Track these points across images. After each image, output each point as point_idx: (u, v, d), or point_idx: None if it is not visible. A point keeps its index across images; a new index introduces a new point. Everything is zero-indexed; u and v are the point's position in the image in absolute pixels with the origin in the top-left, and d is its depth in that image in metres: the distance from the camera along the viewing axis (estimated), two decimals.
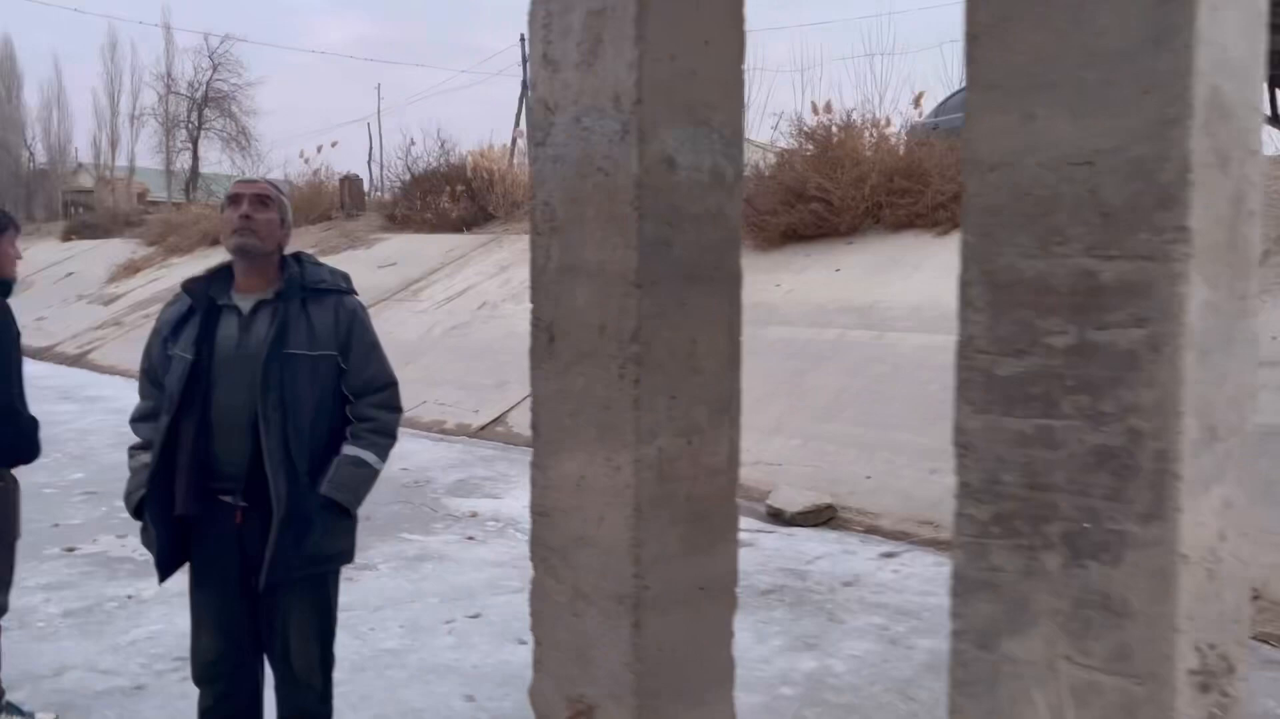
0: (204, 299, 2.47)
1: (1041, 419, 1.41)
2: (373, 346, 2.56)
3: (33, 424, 3.16)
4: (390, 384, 2.59)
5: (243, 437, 2.39)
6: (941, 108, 14.05)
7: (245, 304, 2.47)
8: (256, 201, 2.47)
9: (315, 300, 2.49)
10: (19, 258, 3.32)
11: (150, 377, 2.58)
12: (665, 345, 2.02)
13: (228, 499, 2.43)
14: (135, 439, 2.58)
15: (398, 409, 2.61)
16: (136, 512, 2.49)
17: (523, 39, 32.44)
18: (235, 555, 2.44)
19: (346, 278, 2.62)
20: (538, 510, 2.17)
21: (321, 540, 2.45)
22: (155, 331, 2.58)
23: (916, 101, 11.73)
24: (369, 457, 2.52)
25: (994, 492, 1.47)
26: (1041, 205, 1.41)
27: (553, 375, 2.13)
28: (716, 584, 2.16)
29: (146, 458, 2.48)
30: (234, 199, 2.48)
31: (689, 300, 2.05)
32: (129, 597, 4.39)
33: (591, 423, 2.06)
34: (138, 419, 2.59)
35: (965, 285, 1.49)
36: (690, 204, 2.03)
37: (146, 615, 4.14)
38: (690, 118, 2.03)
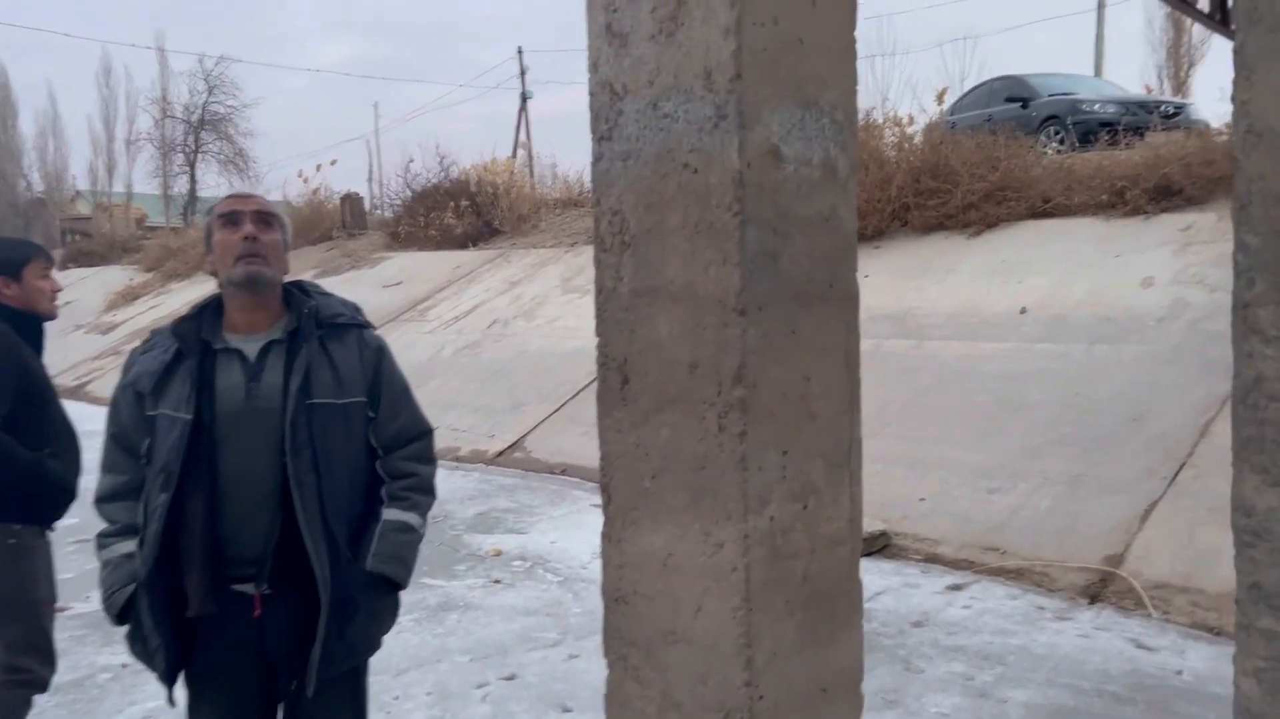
0: (197, 343, 2.00)
1: None
2: (404, 390, 2.14)
3: (35, 464, 2.70)
4: (426, 433, 2.16)
5: (264, 509, 1.94)
6: (958, 105, 13.67)
7: (249, 347, 2.02)
8: (259, 220, 2.02)
9: (334, 338, 2.05)
10: (58, 289, 2.95)
11: (122, 443, 2.07)
12: (774, 386, 1.60)
13: (244, 588, 1.98)
14: (104, 524, 2.09)
15: (434, 461, 2.18)
16: (121, 616, 2.01)
17: (520, 52, 32.11)
18: (252, 656, 2.00)
19: (359, 309, 2.18)
20: (612, 595, 1.74)
21: (367, 624, 2.03)
22: (125, 387, 2.05)
23: (940, 97, 11.29)
24: (414, 519, 2.09)
25: None
26: None
27: (628, 426, 1.70)
28: (840, 683, 1.73)
29: (126, 547, 2.02)
30: (230, 218, 2.02)
31: (801, 328, 1.63)
32: (124, 665, 3.94)
33: (681, 486, 1.64)
34: (106, 498, 2.09)
35: (1245, 307, 1.06)
36: (800, 206, 1.61)
37: (142, 689, 3.70)
38: (797, 97, 1.61)
